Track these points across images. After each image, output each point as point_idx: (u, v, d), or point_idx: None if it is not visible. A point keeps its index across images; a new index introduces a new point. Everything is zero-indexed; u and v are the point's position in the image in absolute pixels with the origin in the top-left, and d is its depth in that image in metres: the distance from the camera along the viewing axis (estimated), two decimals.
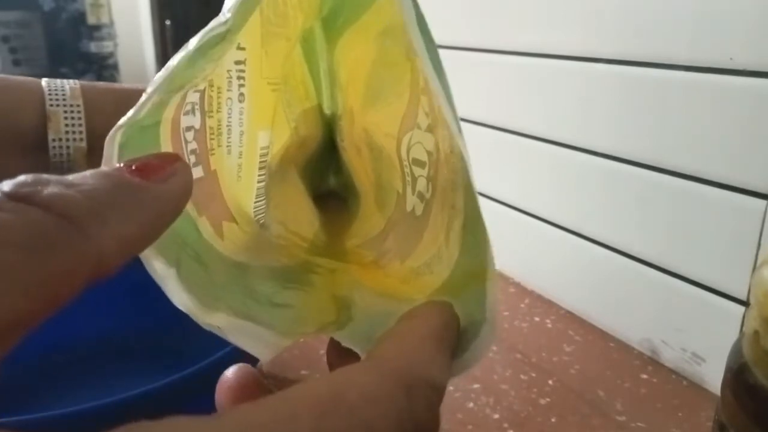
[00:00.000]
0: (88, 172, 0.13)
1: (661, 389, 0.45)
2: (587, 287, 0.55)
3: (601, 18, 0.49)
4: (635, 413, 0.42)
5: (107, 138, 0.16)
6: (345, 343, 0.22)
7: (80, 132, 0.31)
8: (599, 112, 0.50)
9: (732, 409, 0.23)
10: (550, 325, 0.54)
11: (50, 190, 0.12)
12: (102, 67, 1.30)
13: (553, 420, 0.41)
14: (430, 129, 0.19)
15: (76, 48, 1.26)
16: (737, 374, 0.23)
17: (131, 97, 0.34)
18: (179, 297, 0.19)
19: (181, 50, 0.17)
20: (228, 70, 0.20)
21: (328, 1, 0.21)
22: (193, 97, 0.18)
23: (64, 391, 0.38)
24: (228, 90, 0.20)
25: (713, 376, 0.44)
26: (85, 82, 0.33)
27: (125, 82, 1.45)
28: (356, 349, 0.21)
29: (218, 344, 0.21)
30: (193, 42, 0.17)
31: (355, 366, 0.14)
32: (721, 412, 0.25)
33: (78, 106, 0.32)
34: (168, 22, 1.70)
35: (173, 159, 0.15)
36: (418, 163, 0.20)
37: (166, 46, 1.73)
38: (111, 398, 0.28)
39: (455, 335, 0.17)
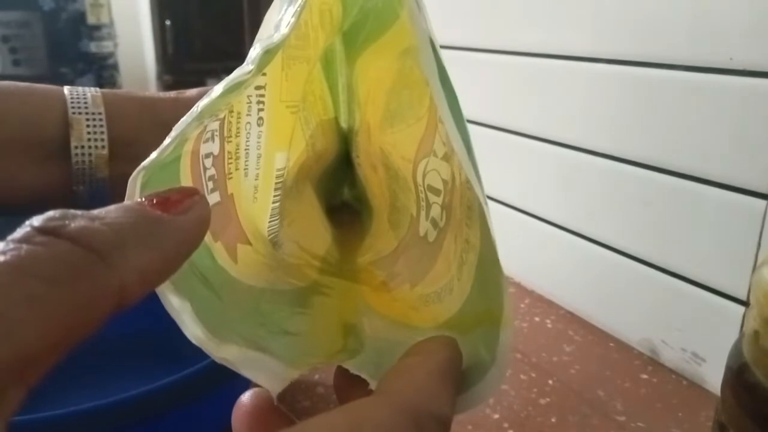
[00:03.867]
0: (112, 207, 0.13)
1: (661, 389, 0.45)
2: (587, 287, 0.55)
3: (601, 18, 0.49)
4: (635, 413, 0.42)
5: (130, 178, 0.17)
6: (353, 371, 0.22)
7: (102, 139, 0.32)
8: (599, 112, 0.50)
9: (732, 409, 0.23)
10: (550, 325, 0.54)
11: (77, 223, 0.12)
12: (102, 67, 1.30)
13: (553, 420, 0.41)
14: (447, 158, 0.19)
15: (76, 48, 1.26)
16: (737, 374, 0.23)
17: (152, 104, 0.34)
18: (192, 330, 0.19)
19: (204, 97, 0.17)
20: (248, 96, 0.20)
21: (350, 17, 0.21)
22: (213, 125, 0.19)
23: (64, 391, 0.38)
24: (247, 114, 0.20)
25: (713, 376, 0.44)
26: (106, 90, 0.33)
27: (125, 82, 1.45)
28: (364, 376, 0.22)
29: None
30: (217, 90, 0.17)
31: (368, 400, 0.15)
32: (721, 412, 0.25)
33: (100, 113, 0.32)
34: (168, 22, 1.70)
35: (192, 192, 0.15)
36: (433, 190, 0.21)
37: (166, 46, 1.72)
38: (111, 398, 0.28)
39: (459, 371, 0.18)
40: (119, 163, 0.32)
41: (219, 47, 1.69)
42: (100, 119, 0.32)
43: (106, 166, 0.32)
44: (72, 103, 0.32)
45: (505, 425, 0.40)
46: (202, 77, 1.70)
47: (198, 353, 0.26)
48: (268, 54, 0.18)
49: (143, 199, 0.14)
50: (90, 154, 0.32)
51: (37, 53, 1.22)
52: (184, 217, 0.14)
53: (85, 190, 0.32)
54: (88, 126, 0.32)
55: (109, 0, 1.31)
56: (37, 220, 0.12)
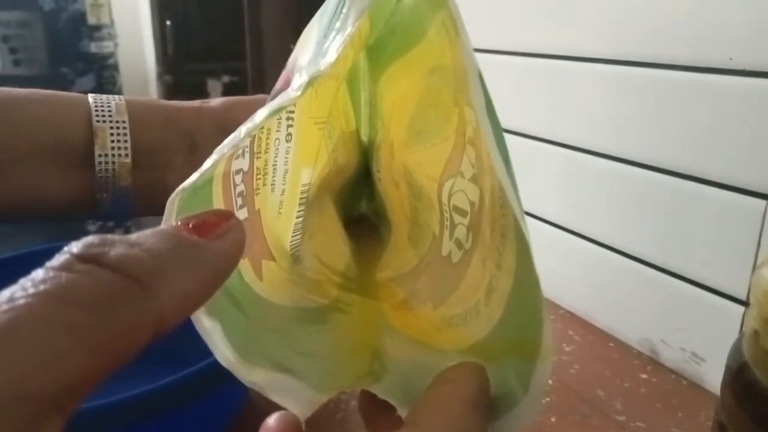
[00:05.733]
0: (149, 231, 0.13)
1: (661, 389, 0.45)
2: (587, 287, 0.55)
3: (601, 18, 0.49)
4: (635, 413, 0.42)
5: (168, 200, 0.16)
6: (381, 396, 0.22)
7: (125, 148, 0.32)
8: (599, 112, 0.50)
9: (732, 409, 0.23)
10: None
11: (117, 250, 0.12)
12: (102, 67, 1.30)
13: (552, 420, 0.41)
14: (475, 180, 0.19)
15: (76, 48, 1.26)
16: (737, 374, 0.23)
17: (175, 113, 0.34)
18: (223, 352, 0.19)
19: (248, 121, 0.17)
20: None
21: (376, 30, 0.21)
22: (245, 141, 0.19)
23: None
24: (277, 131, 0.20)
25: (713, 376, 0.44)
26: (130, 98, 0.33)
27: (125, 82, 1.45)
28: (392, 401, 0.22)
29: None
30: (262, 114, 0.17)
31: None
32: (721, 412, 0.25)
33: (123, 122, 0.32)
34: (168, 22, 1.70)
35: (228, 216, 0.15)
36: (459, 210, 0.20)
37: (166, 47, 1.73)
38: (111, 398, 0.28)
39: (489, 400, 0.18)
40: (142, 171, 0.32)
41: (219, 47, 1.69)
42: (124, 128, 0.32)
43: (129, 174, 0.32)
44: (96, 111, 0.32)
45: None
46: (202, 77, 1.70)
47: (198, 353, 0.26)
48: (313, 81, 0.18)
49: (179, 223, 0.14)
50: (113, 163, 0.32)
51: (37, 53, 1.22)
52: (220, 243, 0.14)
53: (108, 198, 0.32)
54: (111, 134, 0.32)
55: (109, 0, 1.31)
56: (76, 247, 0.12)
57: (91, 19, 1.27)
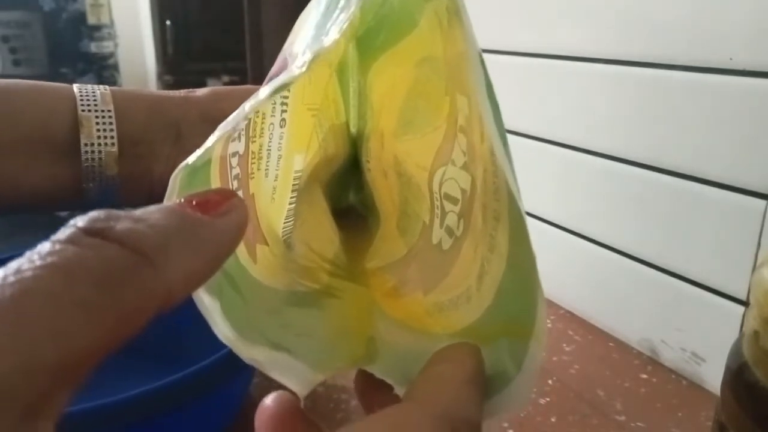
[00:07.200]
0: (153, 207, 0.13)
1: (661, 389, 0.45)
2: (587, 287, 0.55)
3: (601, 18, 0.49)
4: (635, 413, 0.42)
5: (172, 176, 0.17)
6: (380, 376, 0.22)
7: (111, 137, 0.32)
8: (599, 112, 0.50)
9: (732, 409, 0.23)
10: (549, 325, 0.54)
11: (123, 225, 0.12)
12: (102, 67, 1.30)
13: (552, 420, 0.41)
14: (466, 167, 0.19)
15: (76, 48, 1.26)
16: (737, 374, 0.23)
17: (160, 103, 0.34)
18: (223, 329, 0.20)
19: (251, 99, 0.17)
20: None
21: (366, 21, 0.21)
22: (241, 124, 0.19)
23: None
24: (272, 116, 0.20)
25: (713, 376, 0.44)
26: (115, 88, 0.33)
27: (125, 82, 1.45)
28: (390, 381, 0.22)
29: (218, 344, 0.21)
30: (264, 92, 0.17)
31: (403, 407, 0.16)
32: (721, 412, 0.25)
33: (109, 111, 0.32)
34: (168, 22, 1.70)
35: (230, 195, 0.15)
36: (449, 198, 0.21)
37: (166, 46, 1.73)
38: (111, 398, 0.28)
39: (485, 378, 0.18)
40: (127, 161, 0.32)
41: (219, 47, 1.69)
42: (110, 117, 0.32)
43: (115, 163, 0.32)
44: (81, 100, 0.32)
45: (505, 425, 0.40)
46: (202, 77, 1.70)
47: (198, 353, 0.26)
48: (319, 59, 0.18)
49: (183, 200, 0.14)
50: (100, 152, 0.32)
51: (37, 53, 1.22)
52: (223, 220, 0.14)
53: (95, 187, 0.32)
54: (97, 124, 0.32)
55: (109, 0, 1.31)
56: (81, 221, 0.12)
57: (91, 19, 1.27)
